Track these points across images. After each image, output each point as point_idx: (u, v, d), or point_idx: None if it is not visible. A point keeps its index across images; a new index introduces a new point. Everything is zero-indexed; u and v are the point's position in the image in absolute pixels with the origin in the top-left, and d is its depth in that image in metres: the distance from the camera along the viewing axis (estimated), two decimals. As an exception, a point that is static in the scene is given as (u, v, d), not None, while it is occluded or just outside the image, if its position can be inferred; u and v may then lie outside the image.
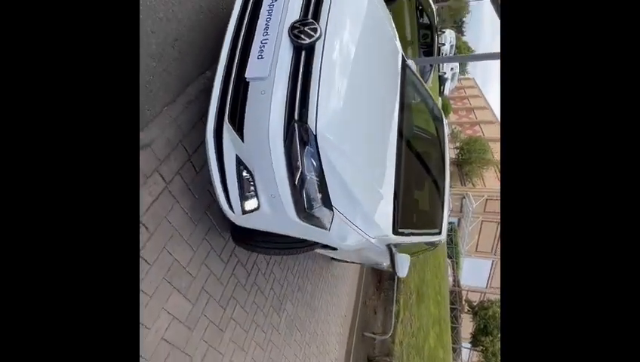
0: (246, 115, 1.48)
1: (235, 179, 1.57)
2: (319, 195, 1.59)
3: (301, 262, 3.40)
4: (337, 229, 1.77)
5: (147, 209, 1.51)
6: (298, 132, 1.47)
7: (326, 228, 1.70)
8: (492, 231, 22.13)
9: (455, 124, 25.39)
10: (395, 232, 2.27)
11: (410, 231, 2.44)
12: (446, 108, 21.21)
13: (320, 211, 1.61)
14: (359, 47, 1.74)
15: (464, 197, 21.66)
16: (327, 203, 1.61)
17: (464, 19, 30.83)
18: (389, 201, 2.14)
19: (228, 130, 1.50)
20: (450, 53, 18.11)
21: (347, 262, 4.41)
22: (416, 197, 2.65)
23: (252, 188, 1.57)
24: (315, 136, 1.48)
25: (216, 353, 2.08)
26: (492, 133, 24.45)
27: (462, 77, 29.60)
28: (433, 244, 3.42)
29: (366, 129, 1.86)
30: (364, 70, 1.80)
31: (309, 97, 1.47)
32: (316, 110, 1.47)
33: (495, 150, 22.18)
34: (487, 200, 21.45)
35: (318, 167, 1.56)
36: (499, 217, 21.95)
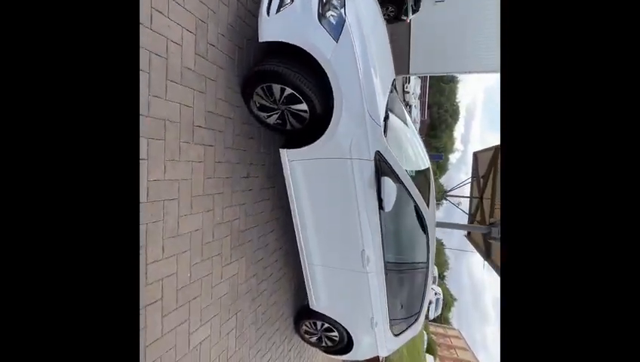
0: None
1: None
2: (338, 9, 2.12)
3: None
4: (343, 54, 2.13)
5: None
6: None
7: (335, 40, 2.09)
8: None
9: (442, 373, 22.46)
10: (386, 133, 2.43)
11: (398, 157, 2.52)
12: (431, 347, 19.83)
13: (334, 17, 2.09)
14: None
15: None
16: (342, 17, 2.12)
17: (445, 273, 33.94)
18: (383, 105, 2.47)
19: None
20: (437, 305, 19.05)
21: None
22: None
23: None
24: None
25: (175, 163, 1.83)
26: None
27: (446, 326, 29.12)
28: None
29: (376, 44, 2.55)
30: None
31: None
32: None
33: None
34: None
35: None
36: None
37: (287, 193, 2.76)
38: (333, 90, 2.21)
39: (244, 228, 2.58)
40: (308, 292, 3.30)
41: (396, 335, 3.52)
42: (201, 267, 2.09)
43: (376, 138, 2.40)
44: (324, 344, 3.72)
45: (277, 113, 2.46)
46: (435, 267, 15.33)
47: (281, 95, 2.28)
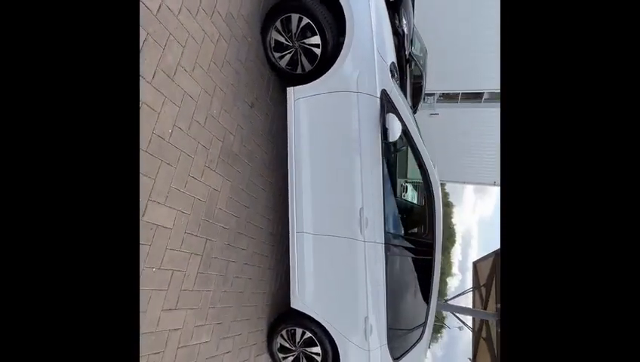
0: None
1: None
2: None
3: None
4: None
5: None
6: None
7: (353, -18, 2.41)
8: None
9: None
10: (392, 74, 2.53)
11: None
12: None
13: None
14: None
15: None
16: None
17: None
18: (391, 49, 2.65)
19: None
20: None
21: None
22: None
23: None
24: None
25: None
26: None
27: None
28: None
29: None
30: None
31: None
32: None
33: None
34: None
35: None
36: None
37: (285, 162, 2.68)
38: (346, 20, 2.41)
39: (237, 153, 2.38)
40: (291, 281, 2.75)
41: (396, 360, 2.76)
42: (184, 139, 1.85)
43: (384, 76, 2.47)
44: (301, 367, 2.87)
45: (290, 52, 2.61)
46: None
47: (298, 26, 2.47)
